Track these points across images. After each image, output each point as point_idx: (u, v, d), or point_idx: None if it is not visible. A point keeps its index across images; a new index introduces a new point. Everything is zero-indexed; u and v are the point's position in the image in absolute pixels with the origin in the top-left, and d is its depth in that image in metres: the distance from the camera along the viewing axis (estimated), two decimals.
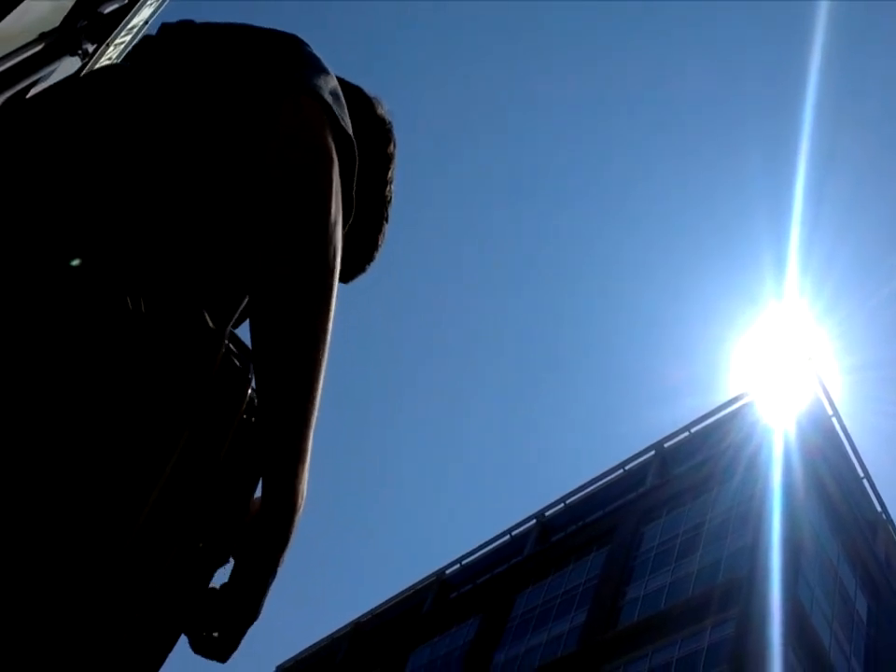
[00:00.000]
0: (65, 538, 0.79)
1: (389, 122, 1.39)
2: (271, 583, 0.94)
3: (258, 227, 0.95)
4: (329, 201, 0.97)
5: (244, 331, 1.00)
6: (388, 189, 1.39)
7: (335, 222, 0.98)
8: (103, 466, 0.82)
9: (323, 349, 0.96)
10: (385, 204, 1.39)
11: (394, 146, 1.39)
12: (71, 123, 1.04)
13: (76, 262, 0.87)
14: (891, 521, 28.61)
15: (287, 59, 1.09)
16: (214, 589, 0.94)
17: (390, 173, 1.39)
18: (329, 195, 0.98)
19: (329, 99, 1.04)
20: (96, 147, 1.00)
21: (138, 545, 0.83)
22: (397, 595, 34.28)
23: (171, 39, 1.18)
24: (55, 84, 1.17)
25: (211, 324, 0.93)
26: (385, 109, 1.39)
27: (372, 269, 1.45)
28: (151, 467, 0.83)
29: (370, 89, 1.40)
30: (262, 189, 0.96)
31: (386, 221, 1.41)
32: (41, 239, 0.89)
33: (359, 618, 35.11)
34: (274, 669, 36.82)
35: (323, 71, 1.10)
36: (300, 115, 1.01)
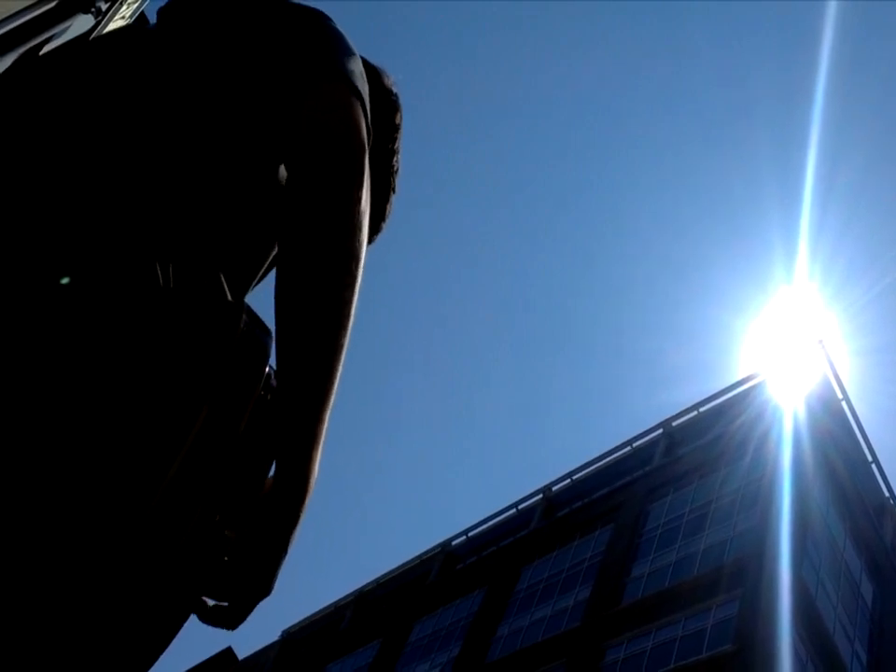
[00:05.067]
0: (85, 505, 0.80)
1: (396, 93, 1.40)
2: (282, 561, 0.95)
3: (289, 212, 0.96)
4: (361, 189, 0.99)
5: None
6: (396, 158, 1.40)
7: (364, 212, 0.99)
8: (125, 438, 0.82)
9: (345, 331, 0.96)
10: (392, 174, 1.39)
11: (400, 116, 1.39)
12: (90, 93, 1.04)
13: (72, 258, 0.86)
14: None
15: (317, 38, 1.08)
16: (224, 561, 0.94)
17: (397, 143, 1.40)
18: (360, 184, 0.99)
19: (360, 86, 1.04)
20: (119, 121, 1.01)
21: (158, 515, 0.83)
22: (403, 565, 34.52)
23: (189, 7, 1.17)
24: (69, 46, 1.15)
25: (230, 296, 0.93)
26: (391, 80, 1.40)
27: (380, 239, 1.44)
28: (172, 439, 0.83)
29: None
30: (296, 172, 0.97)
31: (394, 191, 1.40)
32: (66, 205, 0.90)
33: (365, 586, 35.41)
34: (281, 633, 37.25)
35: (350, 52, 1.10)
36: (334, 102, 1.01)
